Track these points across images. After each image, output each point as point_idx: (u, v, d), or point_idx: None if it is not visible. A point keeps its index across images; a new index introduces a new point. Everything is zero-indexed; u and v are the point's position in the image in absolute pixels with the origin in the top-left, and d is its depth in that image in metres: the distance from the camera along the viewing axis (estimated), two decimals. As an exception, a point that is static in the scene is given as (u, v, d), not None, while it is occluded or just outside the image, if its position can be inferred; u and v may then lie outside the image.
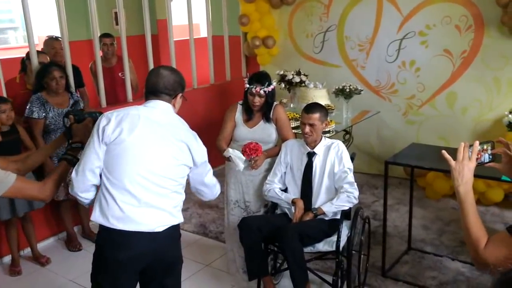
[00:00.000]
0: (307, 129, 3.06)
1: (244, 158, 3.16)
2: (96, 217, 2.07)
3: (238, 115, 3.34)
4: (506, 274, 0.79)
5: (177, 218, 2.18)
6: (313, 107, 3.13)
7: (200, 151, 2.21)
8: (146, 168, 2.05)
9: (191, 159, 2.16)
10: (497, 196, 4.33)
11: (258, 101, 3.21)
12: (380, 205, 4.41)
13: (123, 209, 2.03)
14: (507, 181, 2.95)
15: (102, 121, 2.07)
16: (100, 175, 2.07)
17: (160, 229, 2.09)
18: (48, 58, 4.27)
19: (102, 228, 2.09)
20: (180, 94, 2.26)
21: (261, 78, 3.25)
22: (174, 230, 2.16)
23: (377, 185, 5.03)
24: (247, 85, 3.25)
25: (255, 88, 3.19)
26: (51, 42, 4.48)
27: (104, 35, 4.98)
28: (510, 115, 3.40)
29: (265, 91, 3.19)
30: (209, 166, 2.28)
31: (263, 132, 3.29)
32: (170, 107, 2.21)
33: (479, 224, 1.51)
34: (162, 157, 2.09)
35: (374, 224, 3.99)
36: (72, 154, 2.18)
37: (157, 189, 2.08)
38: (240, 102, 3.37)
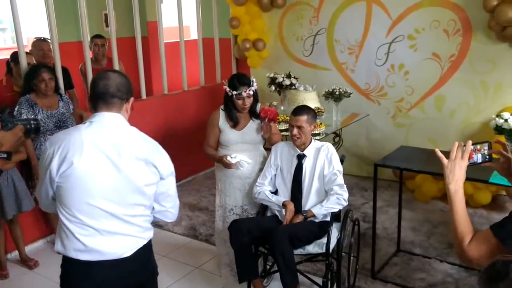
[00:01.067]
0: (295, 131, 3.07)
1: (250, 161, 3.18)
2: (59, 248, 1.94)
3: (222, 121, 3.27)
4: (487, 272, 0.81)
5: (146, 237, 2.02)
6: (301, 109, 3.15)
7: (165, 162, 2.00)
8: (101, 198, 1.86)
9: (157, 174, 1.95)
10: (485, 198, 4.38)
11: (248, 102, 3.20)
12: (369, 207, 4.43)
13: (84, 242, 1.89)
14: (494, 184, 2.98)
15: (46, 159, 1.87)
16: None
17: (128, 254, 1.95)
18: (34, 59, 4.25)
19: (64, 259, 1.96)
20: (132, 98, 2.04)
21: (245, 79, 3.20)
22: (144, 250, 2.02)
23: (367, 187, 5.06)
24: (232, 92, 3.15)
25: (245, 91, 3.15)
26: (39, 43, 4.45)
27: (95, 36, 5.00)
28: (497, 118, 3.44)
29: (253, 91, 3.20)
30: (174, 176, 2.07)
31: (253, 132, 3.28)
32: (121, 118, 1.96)
33: (466, 221, 1.56)
34: (118, 184, 1.87)
35: (363, 226, 4.01)
36: None
37: (118, 217, 1.91)
38: (222, 107, 3.30)
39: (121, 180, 1.88)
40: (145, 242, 2.01)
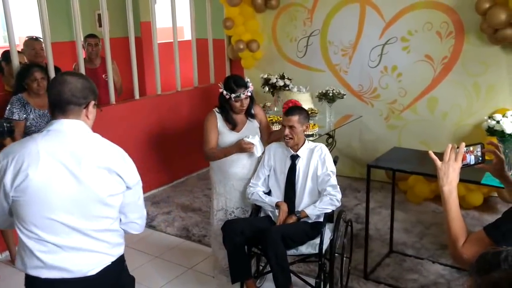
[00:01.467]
0: (287, 131, 3.07)
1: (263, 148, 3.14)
2: (19, 265, 1.82)
3: (220, 123, 3.24)
4: (478, 263, 0.82)
5: (115, 254, 1.88)
6: (293, 109, 3.16)
7: (131, 171, 1.85)
8: (61, 212, 1.73)
9: (122, 184, 1.82)
10: (477, 200, 4.41)
11: (246, 103, 3.19)
12: (362, 208, 4.45)
13: (43, 259, 1.76)
14: (487, 185, 3.00)
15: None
16: None
17: (93, 271, 1.81)
18: (26, 59, 4.22)
19: (26, 277, 1.84)
20: (93, 102, 1.87)
21: (241, 81, 3.19)
22: (114, 267, 1.88)
23: (360, 188, 5.07)
24: (230, 94, 3.13)
25: (244, 93, 3.14)
26: (31, 42, 4.42)
27: (89, 36, 4.99)
28: (489, 120, 3.46)
29: (250, 92, 3.20)
30: (141, 185, 1.94)
31: (251, 132, 3.27)
32: (81, 125, 1.81)
33: (460, 223, 1.57)
34: (79, 195, 1.74)
35: (356, 227, 4.02)
36: None
37: (82, 231, 1.78)
38: (217, 110, 3.27)
39: (82, 191, 1.74)
40: (113, 259, 1.87)
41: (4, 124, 1.95)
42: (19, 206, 1.74)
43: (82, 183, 1.74)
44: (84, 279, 1.80)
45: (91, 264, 1.82)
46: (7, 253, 3.84)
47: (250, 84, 3.20)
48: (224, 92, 3.16)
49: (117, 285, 1.94)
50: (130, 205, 1.89)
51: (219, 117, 3.25)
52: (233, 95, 3.13)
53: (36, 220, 1.74)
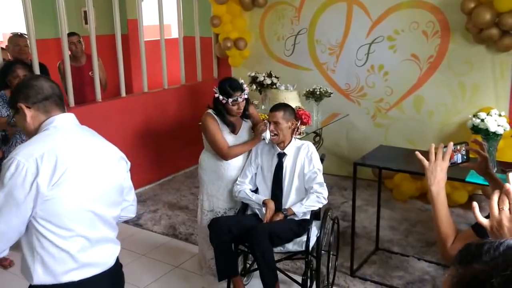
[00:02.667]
0: (272, 127, 3.08)
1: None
2: (41, 278, 1.68)
3: (221, 125, 3.20)
4: (460, 254, 0.82)
5: (119, 242, 1.92)
6: (277, 105, 3.18)
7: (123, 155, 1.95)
8: (97, 202, 1.75)
9: (126, 168, 1.93)
10: (462, 197, 4.46)
11: (242, 106, 3.18)
12: (348, 206, 4.47)
13: (77, 258, 1.70)
14: (472, 183, 3.03)
15: (26, 175, 1.58)
16: (28, 228, 1.66)
17: (113, 262, 1.86)
18: (9, 55, 4.18)
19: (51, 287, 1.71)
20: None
21: (237, 84, 3.16)
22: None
23: (346, 186, 5.10)
24: (228, 99, 3.09)
25: (240, 97, 3.12)
26: (16, 39, 4.38)
27: (69, 34, 4.89)
28: (474, 119, 3.49)
29: (246, 94, 3.19)
30: None
31: (247, 133, 3.28)
32: (74, 118, 1.84)
33: (449, 222, 1.56)
34: (105, 184, 1.78)
35: (342, 225, 4.04)
36: None
37: (107, 220, 1.81)
38: (212, 111, 3.22)
39: (107, 179, 1.80)
40: (119, 248, 1.90)
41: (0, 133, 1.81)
42: (54, 204, 1.63)
43: (107, 171, 1.80)
44: (108, 271, 1.82)
45: (112, 254, 1.86)
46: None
47: (245, 86, 3.20)
48: (220, 97, 3.12)
49: (121, 276, 1.98)
50: (127, 188, 1.96)
51: (217, 118, 3.21)
52: (230, 100, 3.10)
53: (74, 215, 1.68)
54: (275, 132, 3.08)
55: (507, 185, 1.14)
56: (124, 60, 5.07)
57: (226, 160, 3.21)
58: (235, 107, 3.14)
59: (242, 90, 3.15)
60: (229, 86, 3.13)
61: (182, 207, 4.75)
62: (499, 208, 1.15)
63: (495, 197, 1.16)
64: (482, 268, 0.79)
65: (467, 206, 4.53)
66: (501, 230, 1.13)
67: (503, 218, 1.13)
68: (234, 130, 3.22)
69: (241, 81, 3.25)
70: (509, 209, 1.14)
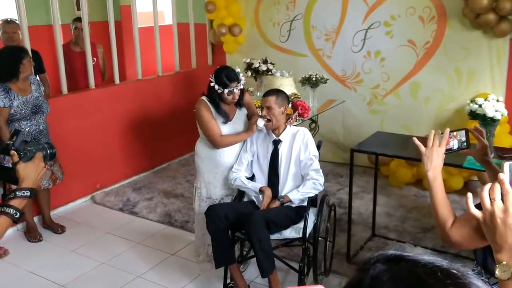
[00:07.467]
0: (264, 112, 3.06)
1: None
2: None
3: (214, 113, 3.18)
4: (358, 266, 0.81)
5: None
6: (270, 90, 3.16)
7: None
8: None
9: None
10: (457, 183, 4.46)
11: (237, 95, 3.15)
12: (345, 193, 4.47)
13: None
14: (469, 168, 3.02)
15: None
16: None
17: None
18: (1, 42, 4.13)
19: None
20: None
21: (234, 74, 3.13)
22: None
23: (342, 173, 5.09)
24: (224, 89, 3.07)
25: (236, 88, 3.10)
26: (5, 25, 4.33)
27: (77, 19, 4.99)
28: (471, 104, 3.48)
29: (242, 84, 3.16)
30: None
31: (241, 121, 3.26)
32: None
33: (447, 206, 1.57)
34: None
35: (339, 212, 4.03)
36: (16, 208, 1.58)
37: None
38: (206, 98, 3.19)
39: None
40: None
41: (46, 147, 1.70)
42: None
43: None
44: None
45: None
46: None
47: (241, 76, 3.17)
48: (216, 87, 3.10)
49: None
50: None
51: (211, 106, 3.19)
52: (226, 90, 3.08)
53: None
54: (268, 117, 3.05)
55: (501, 175, 1.10)
56: (117, 47, 5.00)
57: (218, 148, 3.19)
58: (230, 97, 3.13)
59: (239, 80, 3.12)
60: (226, 76, 3.10)
61: (178, 195, 4.72)
62: (490, 199, 1.11)
63: (486, 188, 1.12)
64: (366, 278, 0.79)
65: (463, 192, 4.53)
66: (494, 221, 1.10)
67: (495, 209, 1.10)
68: (227, 118, 3.20)
69: (238, 70, 3.22)
70: (502, 199, 1.10)
